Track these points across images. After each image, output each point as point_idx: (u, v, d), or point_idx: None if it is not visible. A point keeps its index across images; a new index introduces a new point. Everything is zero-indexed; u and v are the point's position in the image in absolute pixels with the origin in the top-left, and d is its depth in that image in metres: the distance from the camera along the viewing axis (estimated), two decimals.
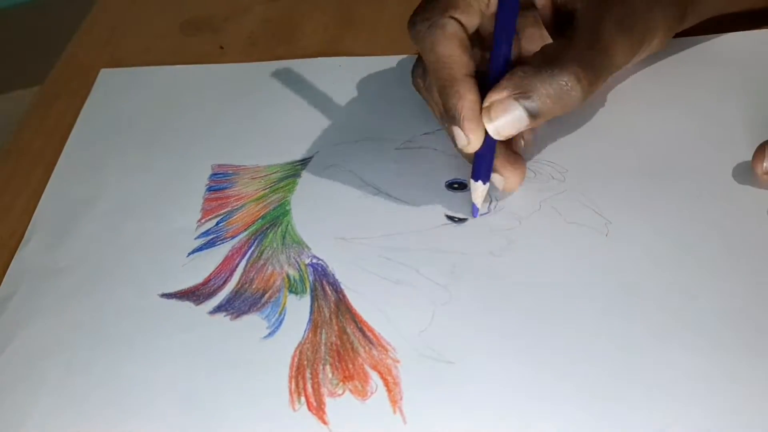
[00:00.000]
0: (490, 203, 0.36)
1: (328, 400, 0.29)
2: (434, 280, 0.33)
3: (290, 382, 0.30)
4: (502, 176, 0.35)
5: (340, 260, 0.34)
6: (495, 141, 0.34)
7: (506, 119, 0.32)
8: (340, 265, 0.34)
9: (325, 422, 0.29)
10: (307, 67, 0.45)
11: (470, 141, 0.33)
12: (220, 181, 0.39)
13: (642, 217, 0.34)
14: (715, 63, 0.41)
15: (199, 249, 0.36)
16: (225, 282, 0.34)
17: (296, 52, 0.47)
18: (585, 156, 0.37)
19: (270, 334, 0.32)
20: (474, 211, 0.35)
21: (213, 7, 0.52)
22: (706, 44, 0.42)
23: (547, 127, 0.39)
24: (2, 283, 0.36)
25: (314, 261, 0.34)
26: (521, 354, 0.30)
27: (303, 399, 0.30)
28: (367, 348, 0.31)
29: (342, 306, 0.32)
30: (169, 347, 0.32)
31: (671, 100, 0.40)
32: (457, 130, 0.33)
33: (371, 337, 0.31)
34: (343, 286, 0.33)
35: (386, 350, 0.31)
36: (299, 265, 0.34)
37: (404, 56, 0.45)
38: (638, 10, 0.34)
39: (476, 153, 0.34)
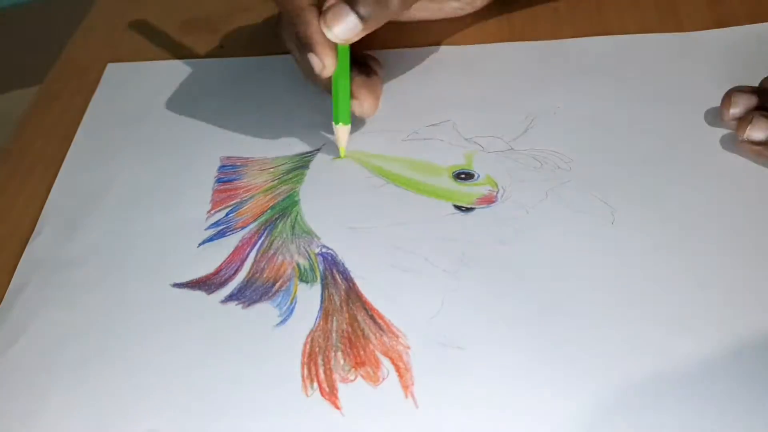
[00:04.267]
0: (497, 193, 0.36)
1: (340, 386, 0.30)
2: (443, 268, 0.33)
3: (303, 369, 0.30)
4: (357, 99, 0.38)
5: (350, 249, 0.35)
6: (348, 80, 0.37)
7: (341, 24, 0.34)
8: (350, 254, 0.34)
9: (338, 407, 0.29)
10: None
11: (325, 65, 0.35)
12: (228, 173, 0.39)
13: (648, 205, 0.35)
14: (716, 56, 0.41)
15: (210, 239, 0.36)
16: (236, 272, 0.34)
17: None
18: (590, 146, 0.38)
19: (282, 322, 0.32)
20: (339, 153, 0.38)
21: (213, 7, 0.52)
22: (709, 38, 0.42)
23: (552, 118, 0.40)
24: (14, 275, 0.36)
25: (324, 250, 0.35)
26: (529, 340, 0.30)
27: (315, 385, 0.30)
28: (378, 335, 0.31)
29: (352, 294, 0.33)
30: (182, 336, 0.32)
31: (676, 91, 0.40)
32: (312, 57, 0.35)
33: (382, 324, 0.32)
34: (353, 275, 0.34)
35: (397, 337, 0.31)
36: (309, 255, 0.35)
37: (410, 49, 0.45)
38: None
39: (334, 96, 0.37)
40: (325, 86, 0.39)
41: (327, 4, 0.35)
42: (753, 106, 0.36)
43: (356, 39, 0.35)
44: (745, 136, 0.35)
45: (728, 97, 0.37)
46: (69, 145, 0.42)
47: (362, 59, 0.41)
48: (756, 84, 0.38)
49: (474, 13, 0.46)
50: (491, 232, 0.35)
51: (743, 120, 0.35)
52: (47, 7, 1.13)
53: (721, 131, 0.38)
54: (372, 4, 0.34)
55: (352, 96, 0.38)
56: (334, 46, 0.35)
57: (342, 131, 0.38)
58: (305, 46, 0.36)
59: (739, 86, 0.37)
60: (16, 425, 0.30)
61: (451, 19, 0.46)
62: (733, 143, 0.37)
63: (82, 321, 0.33)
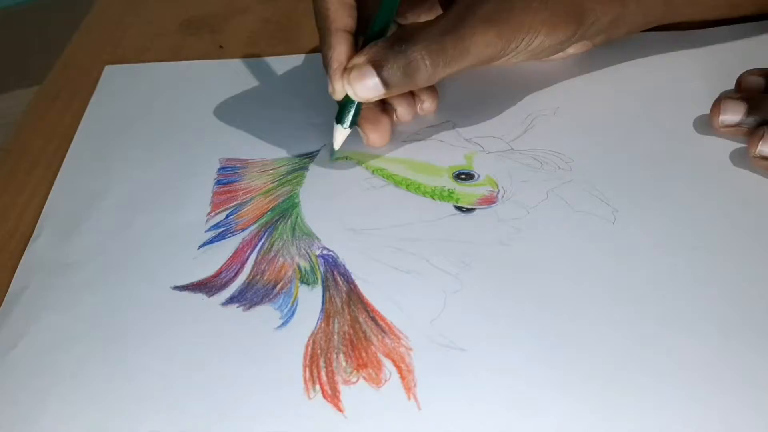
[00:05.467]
0: (498, 193, 0.36)
1: (342, 388, 0.30)
2: (445, 269, 0.33)
3: (304, 371, 0.30)
4: (362, 131, 0.38)
5: (351, 251, 0.35)
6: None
7: (362, 84, 0.34)
8: (351, 256, 0.34)
9: (340, 409, 0.29)
10: (313, 62, 0.45)
11: (335, 90, 0.36)
12: (228, 175, 0.39)
13: (648, 205, 0.35)
14: (716, 55, 0.41)
15: (210, 242, 0.36)
16: (236, 274, 0.34)
17: (295, 51, 0.47)
18: (590, 145, 0.38)
19: (283, 325, 0.32)
20: (332, 154, 0.38)
21: (213, 7, 0.52)
22: (707, 37, 0.42)
23: (552, 118, 0.40)
24: (13, 278, 0.36)
25: (325, 252, 0.35)
26: (531, 340, 0.30)
27: (318, 387, 0.30)
28: (379, 336, 0.31)
29: (353, 296, 0.33)
30: (183, 339, 0.32)
31: (676, 90, 0.40)
32: (329, 78, 0.36)
33: (383, 325, 0.32)
34: (354, 277, 0.33)
35: (399, 338, 0.31)
36: (310, 256, 0.35)
37: None
38: (516, 6, 0.35)
39: (343, 99, 0.36)
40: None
41: (353, 62, 0.35)
42: (742, 113, 0.36)
43: (375, 99, 0.35)
44: (757, 152, 0.35)
45: (717, 104, 0.37)
46: (69, 146, 0.42)
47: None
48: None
49: None
50: (492, 233, 0.35)
51: (754, 136, 0.35)
52: (47, 7, 1.13)
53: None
54: (398, 75, 0.34)
55: (358, 124, 0.38)
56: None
57: (340, 133, 0.38)
58: (325, 66, 0.36)
59: (728, 93, 0.38)
60: (17, 427, 0.30)
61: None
62: (732, 143, 0.37)
63: (83, 324, 0.33)
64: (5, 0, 1.15)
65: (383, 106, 0.39)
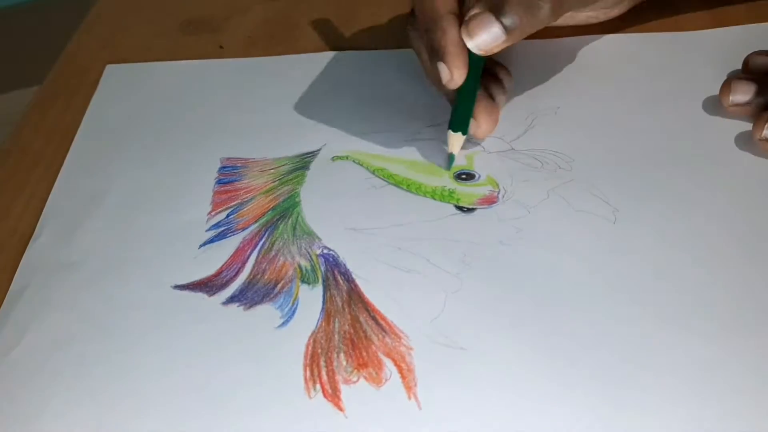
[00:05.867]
0: (498, 193, 0.36)
1: (343, 388, 0.30)
2: (445, 269, 0.33)
3: (305, 371, 0.30)
4: (477, 121, 0.37)
5: (351, 250, 0.35)
6: (476, 92, 0.36)
7: (484, 34, 0.33)
8: (351, 255, 0.34)
9: (341, 409, 0.29)
10: (313, 61, 0.45)
11: (453, 76, 0.34)
12: (229, 174, 0.39)
13: (649, 204, 0.35)
14: (716, 56, 0.41)
15: (211, 241, 0.36)
16: (237, 273, 0.34)
17: (295, 51, 0.47)
18: (591, 145, 0.38)
19: (283, 324, 0.32)
20: (449, 162, 0.37)
21: (213, 7, 0.52)
22: (709, 38, 0.42)
23: (552, 117, 0.40)
24: (14, 278, 0.36)
25: (325, 251, 0.35)
26: (532, 340, 0.30)
27: (318, 387, 0.30)
28: (380, 336, 0.31)
29: (354, 295, 0.33)
30: (183, 338, 0.32)
31: (675, 90, 0.40)
32: (441, 66, 0.34)
33: (384, 325, 0.32)
34: (354, 276, 0.34)
35: (399, 338, 0.31)
36: (310, 256, 0.35)
37: (410, 50, 0.45)
38: None
39: (456, 103, 0.35)
40: (447, 94, 0.38)
41: (471, 13, 0.33)
42: (752, 93, 0.37)
43: (497, 51, 0.34)
44: (763, 135, 0.35)
45: (727, 84, 0.38)
46: (69, 145, 0.42)
47: (492, 69, 0.40)
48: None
49: None
50: (493, 233, 0.35)
51: (760, 119, 0.36)
52: (47, 7, 1.13)
53: (721, 129, 0.38)
54: (520, 14, 0.33)
55: (472, 115, 0.37)
56: (466, 60, 0.34)
57: (456, 140, 0.37)
58: (437, 54, 0.34)
59: (737, 74, 0.38)
60: (18, 427, 0.30)
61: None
62: (732, 142, 0.37)
63: (83, 323, 0.33)
64: (5, 0, 1.15)
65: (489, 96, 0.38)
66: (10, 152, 0.43)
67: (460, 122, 0.36)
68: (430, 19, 0.35)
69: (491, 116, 0.37)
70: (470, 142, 0.39)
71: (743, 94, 0.37)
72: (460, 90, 0.35)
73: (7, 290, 0.35)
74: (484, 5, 0.33)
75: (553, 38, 0.44)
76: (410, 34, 0.39)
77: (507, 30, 0.33)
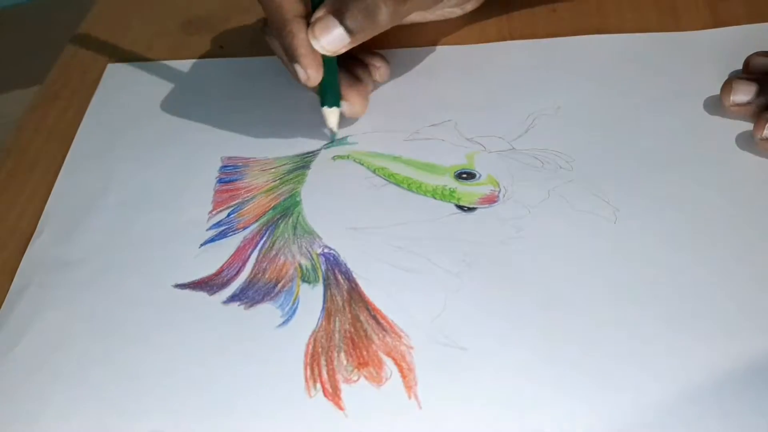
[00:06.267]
0: (499, 192, 0.36)
1: (343, 387, 0.30)
2: (445, 268, 0.33)
3: (305, 369, 0.30)
4: (347, 101, 0.39)
5: (352, 249, 0.35)
6: (335, 69, 0.37)
7: (329, 36, 0.35)
8: (352, 255, 0.34)
9: (341, 408, 0.29)
10: None
11: (309, 75, 0.36)
12: (230, 173, 0.39)
13: (649, 204, 0.35)
14: (716, 56, 0.41)
15: (211, 240, 0.36)
16: (238, 272, 0.34)
17: None
18: (591, 145, 0.38)
19: (284, 323, 0.32)
20: (331, 137, 0.39)
21: (213, 7, 0.52)
22: (709, 38, 0.42)
23: (552, 117, 0.40)
24: (15, 276, 0.36)
25: (326, 251, 0.35)
26: (532, 340, 0.30)
27: (318, 385, 0.30)
28: (380, 335, 0.31)
29: (355, 294, 0.33)
30: (184, 337, 0.32)
31: (676, 90, 0.40)
32: (297, 67, 0.36)
33: (384, 324, 0.32)
34: (355, 275, 0.34)
35: (400, 337, 0.31)
36: (311, 255, 0.35)
37: (410, 49, 0.45)
38: None
39: (321, 82, 0.37)
40: (312, 90, 0.39)
41: (315, 16, 0.35)
42: (753, 93, 0.37)
43: (344, 50, 0.36)
44: (763, 135, 0.36)
45: (728, 84, 0.38)
46: (69, 145, 0.42)
47: (364, 59, 0.41)
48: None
49: (473, 12, 0.46)
50: (493, 232, 0.35)
51: (760, 118, 0.36)
52: (47, 7, 1.13)
53: (721, 129, 0.38)
54: (360, 18, 0.35)
55: (342, 98, 0.39)
56: (319, 59, 0.36)
57: (332, 113, 0.38)
58: (290, 57, 0.36)
59: (738, 74, 0.39)
60: (18, 426, 0.30)
61: (447, 20, 0.46)
62: (733, 141, 0.37)
63: (84, 322, 0.33)
64: (5, 0, 1.15)
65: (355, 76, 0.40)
66: (10, 152, 0.43)
67: (327, 96, 0.38)
68: (280, 23, 0.36)
69: (360, 94, 0.39)
70: (471, 141, 0.39)
71: (744, 94, 0.37)
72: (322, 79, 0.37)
73: (7, 290, 0.35)
74: (327, 9, 0.35)
75: (554, 38, 0.44)
76: (269, 42, 0.41)
77: (350, 32, 0.35)
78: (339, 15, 0.35)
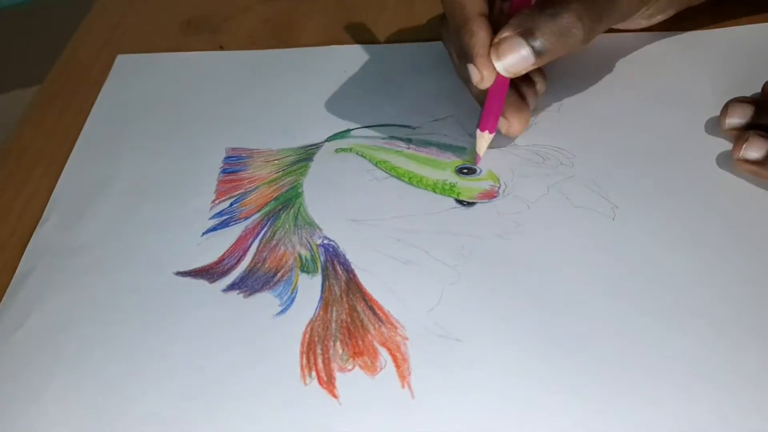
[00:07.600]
0: (499, 188, 0.36)
1: (338, 375, 0.30)
2: (443, 261, 0.34)
3: (301, 358, 0.31)
4: (507, 120, 0.37)
5: (351, 241, 0.35)
6: (505, 90, 0.35)
7: (513, 57, 0.33)
8: (351, 246, 0.35)
9: (335, 396, 0.29)
10: (319, 54, 0.46)
11: (483, 77, 0.34)
12: (233, 164, 0.40)
13: (648, 202, 0.35)
14: (716, 56, 0.41)
15: (213, 229, 0.37)
16: (238, 261, 0.35)
17: None
18: (592, 142, 0.38)
19: (282, 312, 0.33)
20: (476, 159, 0.37)
21: (213, 7, 0.52)
22: (709, 38, 0.42)
23: (554, 114, 0.40)
24: (21, 261, 0.36)
25: (326, 242, 0.35)
26: (527, 333, 0.31)
27: (314, 374, 0.30)
28: (376, 325, 0.32)
29: (352, 285, 0.33)
30: (184, 323, 0.33)
31: (676, 89, 0.40)
32: (471, 67, 0.34)
33: (381, 315, 0.32)
34: (353, 266, 0.34)
35: (395, 327, 0.31)
36: (311, 246, 0.35)
37: (414, 44, 0.45)
38: None
39: (486, 103, 0.35)
40: (478, 94, 0.38)
41: (500, 36, 0.34)
42: (749, 117, 0.36)
43: (523, 73, 0.34)
44: (740, 155, 0.35)
45: (726, 107, 0.37)
46: (69, 145, 0.42)
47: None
48: (759, 82, 0.38)
49: None
50: (491, 227, 0.35)
51: (739, 139, 0.35)
52: (47, 7, 1.14)
53: (722, 129, 0.38)
54: (552, 40, 0.33)
55: (502, 114, 0.37)
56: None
57: (484, 139, 0.37)
58: (466, 56, 0.35)
59: (739, 96, 0.37)
60: (21, 405, 0.31)
61: None
62: (731, 140, 0.37)
63: (87, 307, 0.34)
64: (5, 0, 1.15)
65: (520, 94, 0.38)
66: (10, 152, 0.43)
67: (489, 122, 0.36)
68: (460, 21, 0.35)
69: (522, 114, 0.37)
70: (472, 136, 0.39)
71: (739, 117, 0.36)
72: (490, 89, 0.35)
73: (9, 284, 0.36)
74: (515, 28, 0.33)
75: None
76: (443, 37, 0.40)
77: (537, 54, 0.33)
78: (528, 35, 0.33)
